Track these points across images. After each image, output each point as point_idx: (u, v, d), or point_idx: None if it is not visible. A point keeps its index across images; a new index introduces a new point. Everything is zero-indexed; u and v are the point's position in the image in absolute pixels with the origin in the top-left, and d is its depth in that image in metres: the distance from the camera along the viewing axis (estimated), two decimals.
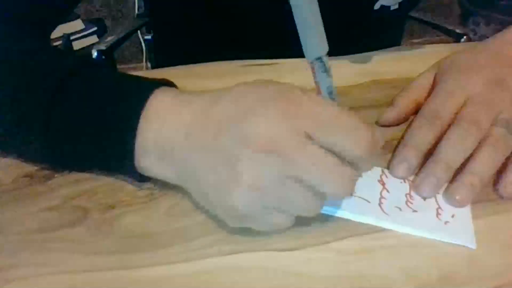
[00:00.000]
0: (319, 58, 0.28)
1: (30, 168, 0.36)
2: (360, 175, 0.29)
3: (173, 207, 0.33)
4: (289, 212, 0.29)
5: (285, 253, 0.30)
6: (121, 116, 0.31)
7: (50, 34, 0.48)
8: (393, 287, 0.28)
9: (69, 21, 1.54)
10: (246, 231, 0.31)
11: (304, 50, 0.28)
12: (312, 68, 0.29)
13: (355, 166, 0.28)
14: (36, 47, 0.37)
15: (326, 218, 0.32)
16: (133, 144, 0.31)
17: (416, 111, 0.42)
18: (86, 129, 0.32)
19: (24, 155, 0.36)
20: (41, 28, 0.44)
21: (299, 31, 0.27)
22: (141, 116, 0.30)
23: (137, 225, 0.32)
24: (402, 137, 0.38)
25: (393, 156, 0.37)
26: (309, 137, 0.26)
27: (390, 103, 0.43)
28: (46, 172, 0.36)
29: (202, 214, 0.32)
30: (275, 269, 0.29)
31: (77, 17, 1.59)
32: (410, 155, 0.36)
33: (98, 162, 0.34)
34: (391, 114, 0.41)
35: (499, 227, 0.32)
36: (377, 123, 0.42)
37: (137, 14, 1.15)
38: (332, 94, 0.30)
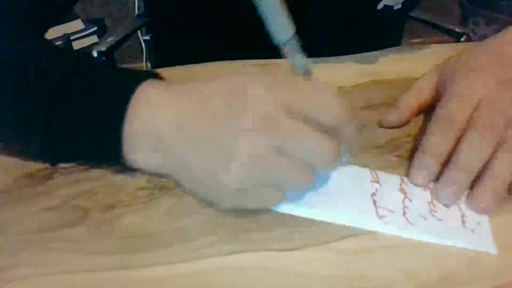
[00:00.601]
0: (289, 40, 0.30)
1: (30, 168, 0.36)
2: (343, 146, 0.31)
3: (173, 207, 0.33)
4: (280, 187, 0.30)
5: (285, 253, 0.30)
6: (110, 105, 0.32)
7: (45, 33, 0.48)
8: (393, 287, 0.28)
9: (69, 21, 1.54)
10: (246, 231, 0.31)
11: (272, 36, 0.30)
12: (284, 52, 0.30)
13: (335, 135, 0.30)
14: (36, 47, 0.38)
15: None
16: (121, 131, 0.31)
17: (419, 113, 0.42)
18: (86, 128, 0.32)
19: (24, 154, 0.36)
20: (40, 28, 0.44)
21: (264, 19, 0.29)
22: (130, 104, 0.31)
23: (137, 225, 0.32)
24: (418, 144, 0.37)
25: (411, 164, 0.36)
26: (290, 108, 0.29)
27: (390, 103, 0.43)
28: (46, 172, 0.36)
29: (202, 214, 0.32)
30: (275, 269, 0.29)
31: (77, 17, 1.59)
32: (429, 162, 0.35)
33: (96, 159, 0.35)
34: (394, 116, 0.41)
35: (499, 227, 0.32)
36: (379, 124, 0.42)
37: (137, 15, 1.15)
38: (308, 71, 0.32)
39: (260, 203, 0.31)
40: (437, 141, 0.36)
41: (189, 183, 0.32)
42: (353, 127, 0.31)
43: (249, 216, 0.32)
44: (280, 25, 0.29)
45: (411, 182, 0.35)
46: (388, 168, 0.37)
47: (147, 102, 0.32)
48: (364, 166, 0.37)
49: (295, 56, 0.31)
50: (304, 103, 0.29)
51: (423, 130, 0.38)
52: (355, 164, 0.37)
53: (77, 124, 0.32)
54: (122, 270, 0.29)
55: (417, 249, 0.31)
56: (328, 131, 0.30)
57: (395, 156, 0.38)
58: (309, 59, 0.31)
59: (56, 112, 0.32)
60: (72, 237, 0.31)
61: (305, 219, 0.32)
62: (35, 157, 0.36)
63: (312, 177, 0.31)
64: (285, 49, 0.30)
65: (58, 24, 0.49)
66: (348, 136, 0.31)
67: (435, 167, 0.35)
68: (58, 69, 0.34)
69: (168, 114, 0.31)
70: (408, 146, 0.39)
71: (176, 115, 0.31)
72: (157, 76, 0.35)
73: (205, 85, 0.31)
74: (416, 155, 0.36)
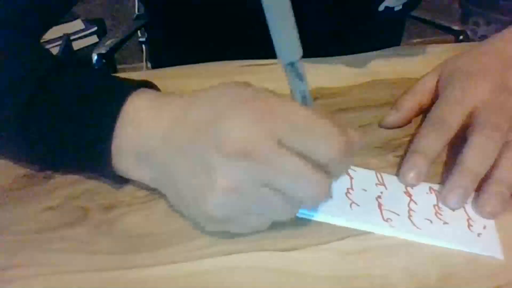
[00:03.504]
0: (291, 64, 0.28)
1: (30, 168, 0.36)
2: (332, 180, 0.28)
3: (173, 207, 0.33)
4: (264, 216, 0.29)
5: (285, 253, 0.30)
6: (97, 123, 0.31)
7: (40, 36, 0.47)
8: (393, 287, 0.28)
9: (69, 21, 1.53)
10: None
11: (277, 54, 0.27)
12: (286, 72, 0.28)
13: (327, 170, 0.28)
14: (15, 47, 0.37)
15: None
16: (110, 150, 0.31)
17: (419, 114, 0.42)
18: (64, 135, 0.32)
19: (9, 157, 0.36)
20: (34, 30, 0.44)
21: (272, 35, 0.26)
22: (117, 121, 0.30)
23: (137, 225, 0.32)
24: (410, 144, 0.37)
25: (401, 164, 0.36)
26: (281, 140, 0.27)
27: (390, 103, 0.43)
28: (46, 172, 0.36)
29: None
30: (275, 269, 0.29)
31: (77, 17, 1.59)
32: (419, 162, 0.35)
33: (78, 167, 0.35)
34: (394, 117, 0.41)
35: (499, 228, 0.32)
36: (379, 124, 0.42)
37: (137, 15, 1.15)
38: (305, 99, 0.29)
39: (244, 229, 0.30)
40: (428, 142, 0.36)
41: (174, 199, 0.31)
42: (348, 163, 0.29)
43: None
44: (288, 45, 0.27)
45: (400, 181, 0.35)
46: (387, 168, 0.37)
47: (132, 119, 0.31)
48: (364, 166, 0.37)
49: (294, 81, 0.28)
50: (296, 136, 0.27)
51: (417, 131, 0.38)
52: (358, 165, 0.37)
53: (55, 129, 0.32)
54: (122, 270, 0.29)
55: (417, 249, 0.31)
56: (319, 164, 0.27)
57: (395, 156, 0.38)
58: (309, 88, 0.29)
59: (33, 115, 0.31)
60: (72, 237, 0.31)
61: (305, 219, 0.32)
62: (20, 161, 0.36)
63: (297, 210, 0.29)
64: (287, 71, 0.29)
65: (55, 25, 0.49)
66: (341, 172, 0.29)
67: (424, 167, 0.35)
68: (37, 69, 0.33)
69: (154, 129, 0.30)
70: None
71: (159, 130, 0.30)
72: (146, 85, 0.34)
73: (193, 99, 0.30)
74: (406, 155, 0.36)
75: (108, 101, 0.31)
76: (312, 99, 0.30)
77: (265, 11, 0.25)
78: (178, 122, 0.29)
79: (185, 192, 0.29)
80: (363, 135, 0.32)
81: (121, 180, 0.33)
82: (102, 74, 0.35)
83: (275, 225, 0.32)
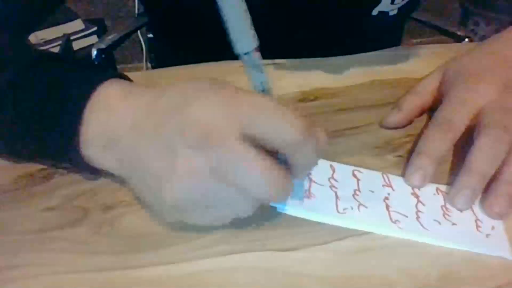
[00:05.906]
0: (247, 54, 0.28)
1: (30, 168, 0.36)
2: (291, 178, 0.28)
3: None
4: (222, 210, 0.29)
5: (285, 253, 0.30)
6: (67, 108, 0.31)
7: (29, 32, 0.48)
8: (393, 287, 0.28)
9: (69, 21, 1.54)
10: (246, 231, 0.31)
11: (232, 45, 0.28)
12: (243, 63, 0.29)
13: (289, 165, 0.28)
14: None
15: None
16: (79, 135, 0.31)
17: (421, 114, 0.42)
18: (33, 122, 0.32)
19: None
20: (23, 27, 0.45)
21: (227, 27, 0.27)
22: (87, 107, 0.30)
23: (137, 225, 0.32)
24: (415, 145, 0.37)
25: (407, 165, 0.36)
26: (244, 126, 0.26)
27: (390, 103, 0.43)
28: (46, 172, 0.36)
29: None
30: (275, 269, 0.29)
31: (77, 17, 1.59)
32: (425, 163, 0.35)
33: (46, 155, 0.34)
34: (395, 117, 0.41)
35: (506, 228, 0.32)
36: (380, 124, 0.42)
37: (137, 14, 1.15)
38: (265, 90, 0.29)
39: (203, 221, 0.29)
40: (433, 143, 0.36)
41: (139, 187, 0.30)
42: (309, 153, 0.28)
43: (249, 216, 0.32)
44: (241, 35, 0.27)
45: (406, 183, 0.35)
46: (388, 168, 0.37)
47: (104, 105, 0.31)
48: (364, 166, 0.37)
49: (252, 71, 0.29)
50: (258, 121, 0.27)
51: (422, 133, 0.38)
52: (359, 166, 0.37)
53: (26, 116, 0.32)
54: (122, 270, 0.29)
55: (417, 249, 0.31)
56: (281, 159, 0.27)
57: (395, 156, 0.38)
58: (268, 77, 0.29)
59: (7, 103, 0.32)
60: (72, 237, 0.31)
61: (305, 219, 0.32)
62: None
63: (253, 207, 0.28)
64: (244, 62, 0.28)
65: (45, 21, 0.49)
66: (303, 163, 0.29)
67: (430, 169, 0.35)
68: (15, 61, 0.33)
69: (122, 116, 0.30)
70: (408, 146, 0.39)
71: (130, 116, 0.30)
72: (118, 75, 0.34)
73: (163, 90, 0.30)
74: (412, 156, 0.36)
75: (79, 87, 0.32)
76: (272, 90, 0.30)
77: (218, 3, 0.26)
78: (147, 110, 0.30)
79: (147, 177, 0.29)
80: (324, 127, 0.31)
81: (94, 171, 0.33)
82: (77, 63, 0.35)
83: (275, 225, 0.32)
